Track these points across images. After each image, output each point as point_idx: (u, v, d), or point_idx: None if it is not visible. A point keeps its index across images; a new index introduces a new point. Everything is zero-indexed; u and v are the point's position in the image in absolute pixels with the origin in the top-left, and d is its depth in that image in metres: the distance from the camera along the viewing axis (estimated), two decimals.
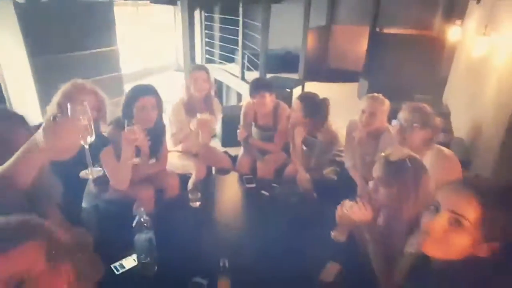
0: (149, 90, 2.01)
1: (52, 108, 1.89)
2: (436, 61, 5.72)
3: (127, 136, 1.80)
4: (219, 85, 7.21)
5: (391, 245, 1.42)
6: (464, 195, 0.89)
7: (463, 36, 4.62)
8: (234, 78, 6.01)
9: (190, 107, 2.47)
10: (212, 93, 2.58)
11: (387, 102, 2.22)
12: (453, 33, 4.73)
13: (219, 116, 2.71)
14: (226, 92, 7.13)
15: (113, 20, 4.47)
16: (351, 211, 1.48)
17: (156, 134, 2.11)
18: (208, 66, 6.70)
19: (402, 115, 1.94)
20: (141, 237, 1.51)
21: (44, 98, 3.16)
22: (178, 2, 4.91)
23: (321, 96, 2.46)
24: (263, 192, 2.29)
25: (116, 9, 4.57)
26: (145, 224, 1.50)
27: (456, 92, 4.54)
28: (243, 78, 5.62)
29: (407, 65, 5.34)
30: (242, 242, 1.87)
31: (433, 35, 6.05)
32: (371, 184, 1.50)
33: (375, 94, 2.23)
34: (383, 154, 1.44)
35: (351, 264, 1.62)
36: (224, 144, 4.21)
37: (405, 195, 1.36)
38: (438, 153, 1.92)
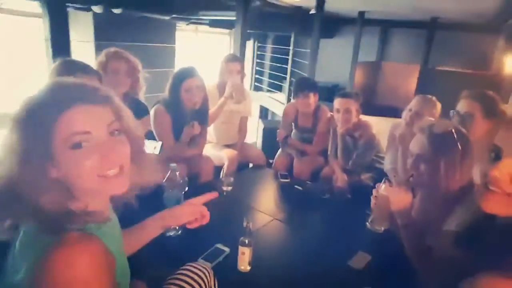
0: (194, 72, 2.13)
1: None
2: None
3: (188, 131, 2.15)
4: (264, 111, 7.44)
5: (424, 228, 1.30)
6: None
7: None
8: (280, 105, 6.18)
9: (222, 90, 2.55)
10: (243, 81, 2.70)
11: (438, 105, 2.07)
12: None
13: (250, 100, 2.78)
14: (272, 118, 7.30)
15: (173, 40, 4.87)
16: (387, 192, 1.39)
17: (200, 116, 2.21)
18: (256, 93, 7.06)
19: (461, 104, 1.76)
20: (170, 194, 1.55)
21: None
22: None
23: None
24: (296, 186, 2.25)
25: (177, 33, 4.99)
26: (175, 181, 1.54)
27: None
28: None
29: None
30: (269, 224, 1.82)
31: (491, 73, 5.80)
32: (409, 162, 1.41)
33: (427, 95, 2.12)
34: (425, 126, 1.35)
35: (381, 255, 1.54)
36: None
37: (451, 170, 1.25)
38: None
